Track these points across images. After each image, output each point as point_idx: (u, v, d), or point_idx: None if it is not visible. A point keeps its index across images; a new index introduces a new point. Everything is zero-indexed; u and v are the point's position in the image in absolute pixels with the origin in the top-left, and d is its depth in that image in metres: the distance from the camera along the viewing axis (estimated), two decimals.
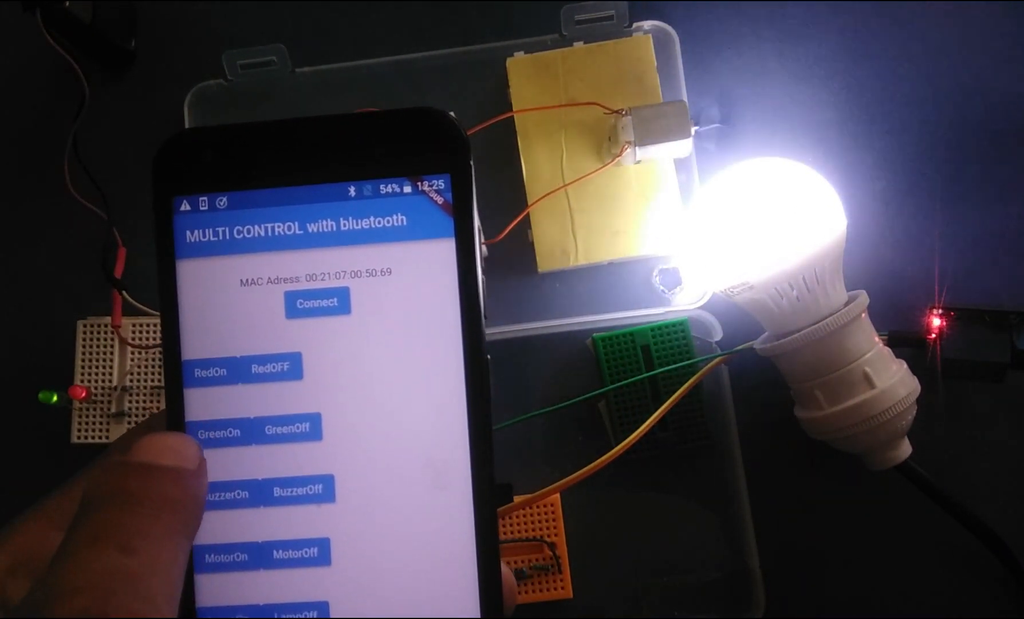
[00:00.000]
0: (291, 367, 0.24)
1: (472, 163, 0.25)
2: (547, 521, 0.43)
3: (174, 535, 0.21)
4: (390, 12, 0.48)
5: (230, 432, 0.24)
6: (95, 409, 0.44)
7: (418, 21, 0.48)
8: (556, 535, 0.42)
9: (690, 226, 0.44)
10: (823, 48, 0.47)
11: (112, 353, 0.44)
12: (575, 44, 0.46)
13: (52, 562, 0.20)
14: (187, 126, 0.45)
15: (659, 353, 0.43)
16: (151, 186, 0.25)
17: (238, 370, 0.24)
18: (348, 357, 0.24)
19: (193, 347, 0.24)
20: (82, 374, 0.44)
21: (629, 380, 0.43)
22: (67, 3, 0.42)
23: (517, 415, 0.43)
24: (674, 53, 0.46)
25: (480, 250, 0.25)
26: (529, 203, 0.44)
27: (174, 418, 0.24)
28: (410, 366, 0.24)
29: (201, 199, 0.25)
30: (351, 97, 0.46)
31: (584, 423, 0.44)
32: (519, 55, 0.45)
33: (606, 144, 0.44)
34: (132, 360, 0.44)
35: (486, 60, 0.46)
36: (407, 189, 0.24)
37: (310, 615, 0.24)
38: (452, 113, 0.25)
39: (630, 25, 0.45)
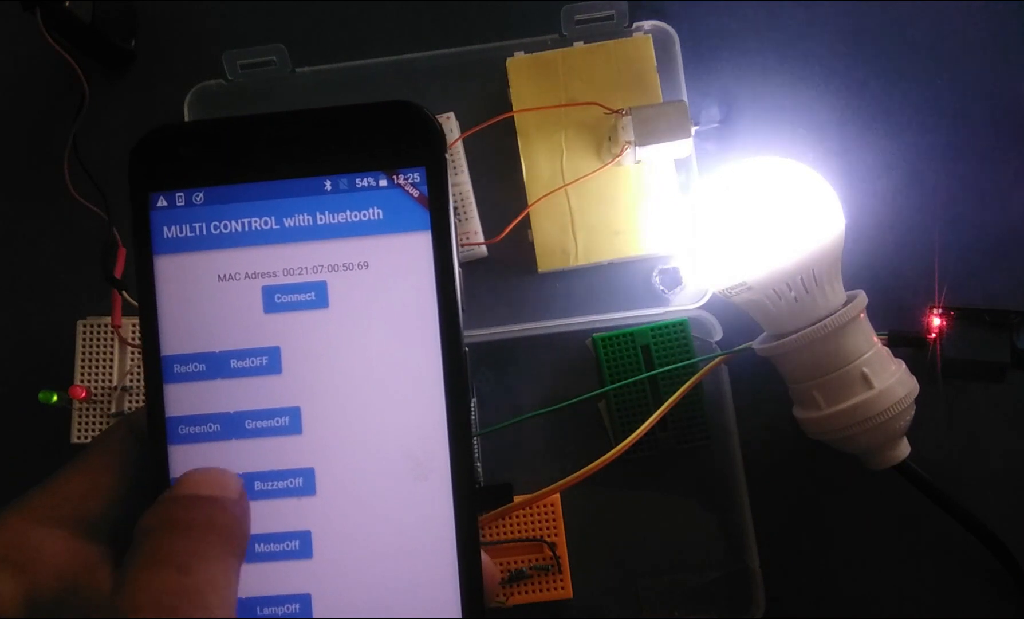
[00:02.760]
0: (270, 361, 0.24)
1: (447, 156, 0.25)
2: (547, 521, 0.43)
3: (225, 556, 0.22)
4: (390, 12, 0.48)
5: (210, 427, 0.24)
6: (95, 409, 0.44)
7: (418, 21, 0.48)
8: (556, 535, 0.42)
9: (689, 226, 0.44)
10: (823, 48, 0.47)
11: (112, 353, 0.44)
12: (575, 44, 0.46)
13: (112, 589, 0.21)
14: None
15: (659, 353, 0.43)
16: (128, 182, 0.25)
17: (217, 365, 0.24)
18: (326, 351, 0.24)
19: (172, 343, 0.24)
20: (82, 374, 0.44)
21: (629, 380, 0.43)
22: (67, 3, 0.42)
23: (517, 415, 0.43)
24: (674, 53, 0.45)
25: (456, 243, 0.25)
26: (529, 203, 0.44)
27: (154, 414, 0.24)
28: (388, 358, 0.24)
29: (178, 195, 0.25)
30: (351, 97, 0.46)
31: (584, 423, 0.44)
32: (519, 55, 0.45)
33: (606, 144, 0.44)
34: (132, 360, 0.44)
35: (486, 60, 0.46)
36: (383, 183, 0.25)
37: (292, 607, 0.24)
38: (425, 106, 0.25)
39: (630, 25, 0.45)
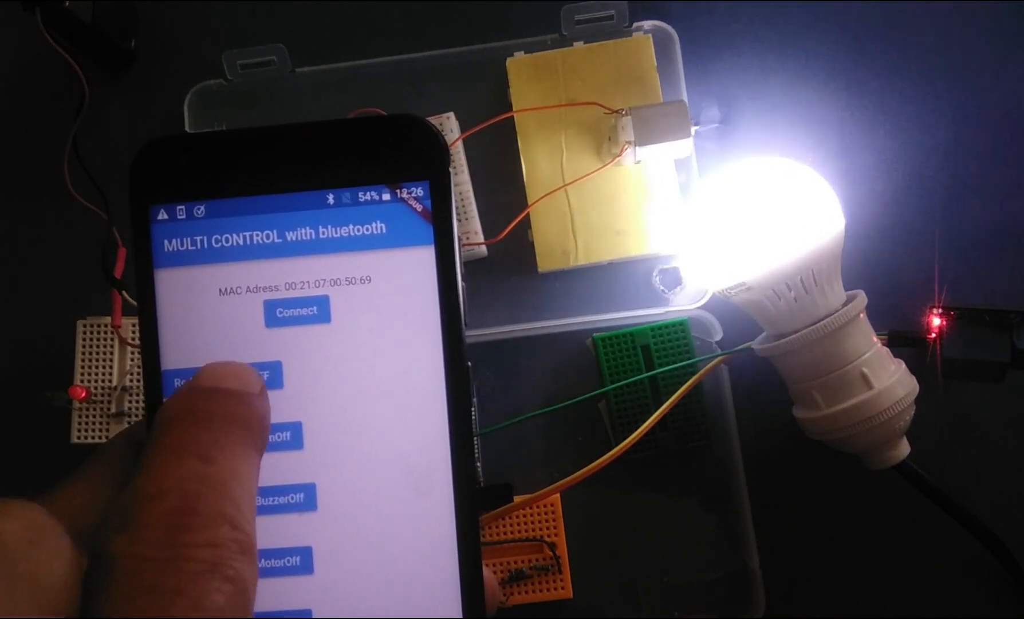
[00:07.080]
0: (271, 376, 0.24)
1: (451, 170, 0.24)
2: (547, 521, 0.43)
3: (247, 449, 0.22)
4: (390, 12, 0.48)
5: None
6: (95, 409, 0.44)
7: (418, 21, 0.48)
8: (556, 535, 0.42)
9: (689, 226, 0.44)
10: (823, 48, 0.47)
11: (112, 353, 0.44)
12: (575, 44, 0.46)
13: (134, 474, 0.21)
14: (187, 126, 0.46)
15: (659, 353, 0.43)
16: (128, 194, 0.24)
17: None
18: (328, 365, 0.24)
19: (173, 357, 0.24)
20: (82, 374, 0.44)
21: (629, 380, 0.43)
22: (67, 3, 0.42)
23: (517, 415, 0.43)
24: (674, 53, 0.45)
25: (460, 257, 0.25)
26: (529, 203, 0.44)
27: None
28: (391, 374, 0.24)
29: (178, 208, 0.24)
30: (351, 97, 0.46)
31: (584, 423, 0.44)
32: (519, 55, 0.45)
33: (606, 144, 0.44)
34: (132, 360, 0.44)
35: (486, 60, 0.46)
36: (386, 197, 0.24)
37: None
38: (429, 120, 0.25)
39: (630, 25, 0.45)
